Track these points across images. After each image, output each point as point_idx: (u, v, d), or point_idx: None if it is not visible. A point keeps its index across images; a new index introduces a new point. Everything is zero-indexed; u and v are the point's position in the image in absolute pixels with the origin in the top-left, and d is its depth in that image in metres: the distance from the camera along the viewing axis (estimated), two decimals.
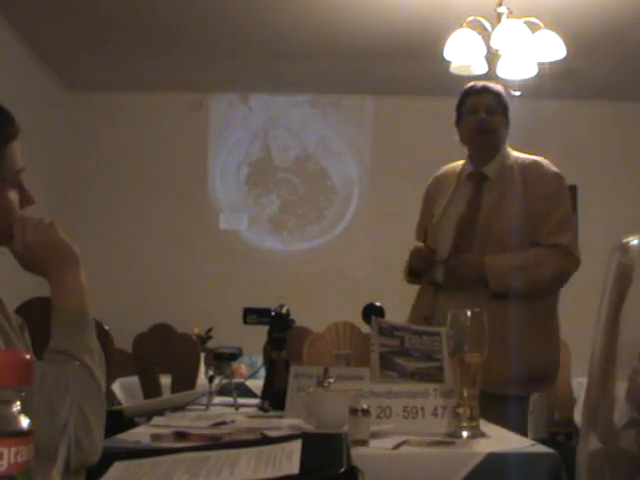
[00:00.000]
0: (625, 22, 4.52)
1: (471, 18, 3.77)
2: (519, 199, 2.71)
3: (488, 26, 3.77)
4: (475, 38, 3.72)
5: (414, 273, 2.77)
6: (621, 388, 0.51)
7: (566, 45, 3.75)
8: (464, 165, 2.87)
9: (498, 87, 2.88)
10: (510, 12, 3.79)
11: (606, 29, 4.60)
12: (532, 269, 2.62)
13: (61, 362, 1.09)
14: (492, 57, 3.84)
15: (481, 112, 2.78)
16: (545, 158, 2.84)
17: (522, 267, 2.60)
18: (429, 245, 2.72)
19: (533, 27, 3.72)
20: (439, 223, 2.77)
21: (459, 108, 2.85)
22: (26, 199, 1.31)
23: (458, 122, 2.85)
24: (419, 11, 4.43)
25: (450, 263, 2.65)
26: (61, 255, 1.29)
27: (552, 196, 2.74)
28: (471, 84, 2.89)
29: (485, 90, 2.83)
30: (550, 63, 3.87)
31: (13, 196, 1.27)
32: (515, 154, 2.84)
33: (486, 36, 3.76)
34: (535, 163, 2.81)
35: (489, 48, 3.77)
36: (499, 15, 3.80)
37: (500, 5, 3.83)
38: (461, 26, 3.75)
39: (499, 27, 3.70)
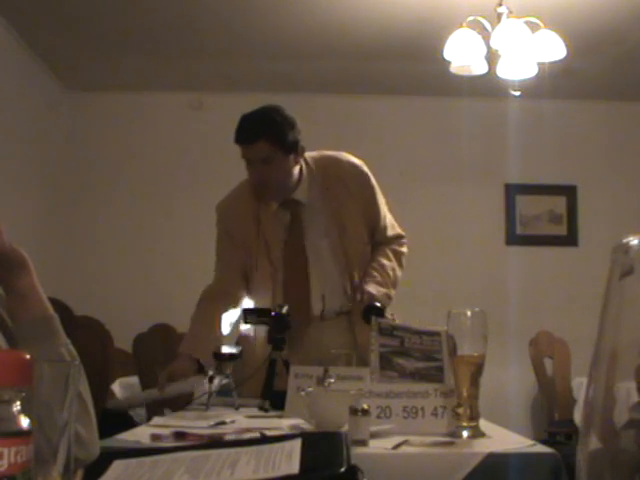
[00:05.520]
0: (625, 22, 4.52)
1: (471, 18, 3.77)
2: (354, 212, 2.66)
3: (488, 26, 3.77)
4: (475, 38, 3.72)
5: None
6: (621, 388, 0.51)
7: (566, 45, 3.75)
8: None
9: (269, 124, 2.47)
10: (510, 12, 3.79)
11: (606, 29, 4.59)
12: (397, 272, 2.72)
13: (60, 362, 1.09)
14: (492, 57, 3.84)
15: (256, 164, 2.51)
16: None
17: (393, 278, 2.70)
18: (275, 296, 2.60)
19: (533, 27, 3.72)
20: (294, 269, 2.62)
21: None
22: None
23: None
24: (419, 11, 4.43)
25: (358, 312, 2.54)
26: (9, 262, 1.18)
27: (375, 196, 2.72)
28: (239, 128, 2.49)
29: (254, 139, 2.47)
30: (550, 63, 3.86)
31: None
32: (313, 159, 2.67)
33: (486, 36, 3.75)
34: (341, 165, 2.68)
35: (489, 48, 3.77)
36: (499, 15, 3.80)
37: (500, 5, 3.83)
38: (461, 26, 3.74)
39: (499, 27, 3.70)
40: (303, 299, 2.62)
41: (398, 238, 2.80)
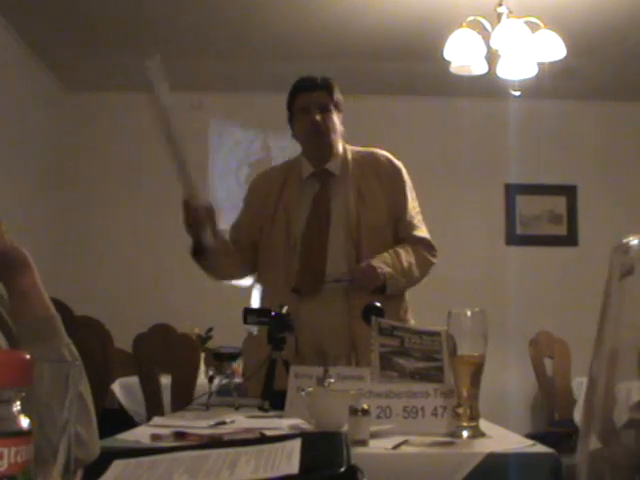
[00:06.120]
0: (625, 22, 4.52)
1: (471, 18, 3.77)
2: (379, 194, 2.69)
3: (488, 26, 3.77)
4: (475, 38, 3.72)
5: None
6: (621, 388, 0.51)
7: (566, 45, 3.75)
8: (298, 166, 2.76)
9: (328, 80, 2.73)
10: (510, 12, 3.79)
11: (606, 29, 4.59)
12: (412, 268, 2.66)
13: (60, 362, 1.09)
14: (492, 57, 3.84)
15: (314, 111, 2.67)
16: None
17: (407, 269, 2.64)
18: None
19: (533, 27, 3.72)
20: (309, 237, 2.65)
21: (290, 105, 2.76)
22: None
23: (291, 119, 2.78)
24: (419, 11, 4.43)
25: (354, 279, 2.56)
26: (10, 260, 1.17)
27: (404, 188, 2.74)
28: (300, 79, 2.76)
29: (315, 86, 2.70)
30: (550, 63, 3.87)
31: None
32: (351, 148, 2.79)
33: (486, 36, 3.76)
34: (377, 156, 2.77)
35: (489, 48, 3.77)
36: (499, 15, 3.80)
37: (500, 5, 3.83)
38: (461, 26, 3.75)
39: (499, 27, 3.70)
40: (318, 262, 2.63)
41: (427, 245, 2.73)
